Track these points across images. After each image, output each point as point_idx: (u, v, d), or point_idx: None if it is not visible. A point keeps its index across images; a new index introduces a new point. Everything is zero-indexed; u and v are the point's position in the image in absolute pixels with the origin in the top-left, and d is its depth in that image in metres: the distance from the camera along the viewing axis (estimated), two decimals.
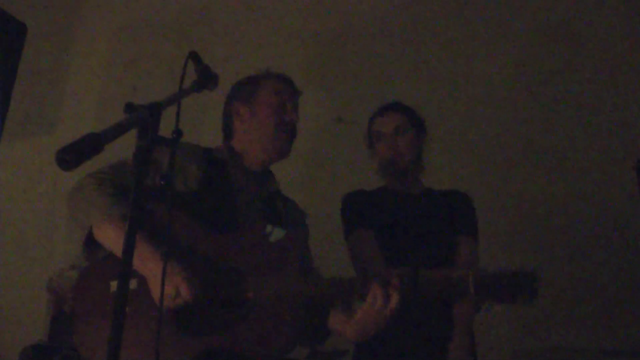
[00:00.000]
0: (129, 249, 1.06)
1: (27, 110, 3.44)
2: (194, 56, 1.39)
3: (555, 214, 2.83)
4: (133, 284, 1.50)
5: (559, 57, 3.04)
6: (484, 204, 2.07)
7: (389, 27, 3.26)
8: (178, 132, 1.30)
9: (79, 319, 1.52)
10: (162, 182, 1.35)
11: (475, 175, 2.84)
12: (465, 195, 2.09)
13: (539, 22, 3.12)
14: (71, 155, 0.97)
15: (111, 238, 1.54)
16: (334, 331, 1.70)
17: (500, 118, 3.02)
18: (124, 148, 1.70)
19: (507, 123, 3.01)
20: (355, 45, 3.28)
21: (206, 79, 1.40)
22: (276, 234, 1.63)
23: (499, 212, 2.73)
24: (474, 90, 3.08)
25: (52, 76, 3.61)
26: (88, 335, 1.50)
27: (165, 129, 1.20)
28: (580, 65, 3.01)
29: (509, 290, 1.46)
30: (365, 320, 1.53)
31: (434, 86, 3.10)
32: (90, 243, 1.59)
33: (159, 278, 1.39)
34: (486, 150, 2.99)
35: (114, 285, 1.51)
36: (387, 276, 1.51)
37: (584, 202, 2.81)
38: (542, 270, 1.48)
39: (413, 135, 2.08)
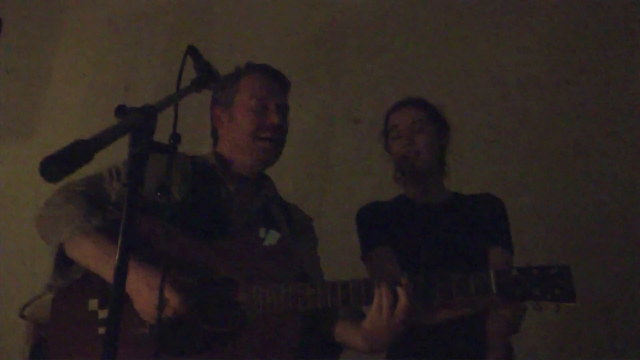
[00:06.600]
0: (122, 264, 0.97)
1: (3, 114, 3.24)
2: (193, 51, 1.29)
3: (584, 218, 2.67)
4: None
5: (585, 54, 2.87)
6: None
7: (400, 22, 3.11)
8: (176, 138, 1.20)
9: (57, 341, 1.45)
10: (158, 194, 1.27)
11: (492, 177, 2.69)
12: (498, 200, 1.90)
13: (571, 10, 2.95)
14: (56, 166, 0.84)
15: (85, 253, 1.46)
16: (343, 343, 1.60)
17: (516, 118, 2.88)
18: (116, 156, 1.58)
19: (524, 123, 2.86)
20: (364, 41, 3.12)
21: (207, 77, 1.30)
22: (270, 237, 1.54)
23: (522, 217, 2.57)
24: (492, 86, 2.92)
25: (31, 74, 3.39)
26: (67, 357, 1.43)
27: (162, 133, 1.10)
28: (610, 61, 2.85)
29: (539, 287, 1.29)
30: (374, 327, 1.41)
31: (450, 83, 2.92)
32: (62, 261, 1.50)
33: (144, 292, 1.37)
34: (504, 151, 2.83)
35: (92, 303, 1.47)
36: (396, 276, 1.40)
37: (612, 206, 2.66)
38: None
39: (433, 133, 1.90)
